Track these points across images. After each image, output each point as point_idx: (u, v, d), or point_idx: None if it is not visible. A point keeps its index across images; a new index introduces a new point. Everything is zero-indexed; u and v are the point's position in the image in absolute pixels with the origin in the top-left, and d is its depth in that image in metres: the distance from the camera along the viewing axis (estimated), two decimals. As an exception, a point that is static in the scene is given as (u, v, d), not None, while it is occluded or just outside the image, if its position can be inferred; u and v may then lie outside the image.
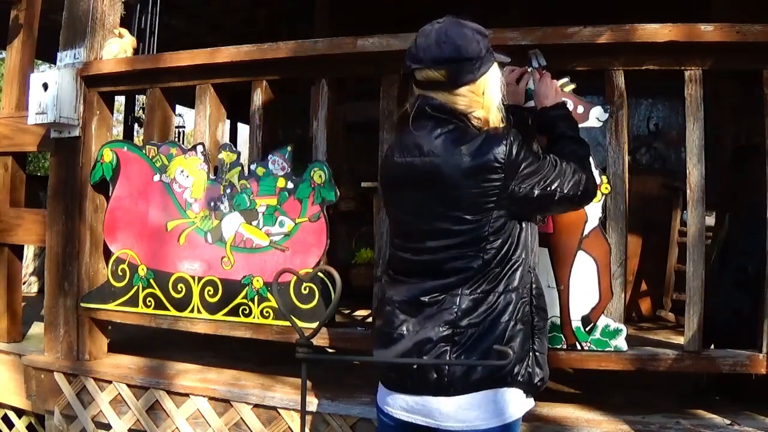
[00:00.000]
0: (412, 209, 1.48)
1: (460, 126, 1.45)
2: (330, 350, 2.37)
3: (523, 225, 1.46)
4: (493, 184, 1.38)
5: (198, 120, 2.46)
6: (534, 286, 1.48)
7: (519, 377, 1.42)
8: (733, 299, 2.25)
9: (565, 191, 1.46)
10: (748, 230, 2.20)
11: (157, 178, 2.45)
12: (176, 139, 2.72)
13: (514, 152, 1.38)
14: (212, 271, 2.34)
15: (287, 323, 2.17)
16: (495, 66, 1.49)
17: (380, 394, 1.53)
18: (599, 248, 1.96)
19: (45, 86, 2.54)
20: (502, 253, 1.42)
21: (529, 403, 1.48)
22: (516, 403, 1.43)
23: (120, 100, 7.79)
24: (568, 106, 1.89)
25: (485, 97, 1.46)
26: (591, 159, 1.60)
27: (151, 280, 2.43)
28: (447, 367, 1.38)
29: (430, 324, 1.42)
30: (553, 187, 1.44)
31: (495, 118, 1.48)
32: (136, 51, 2.75)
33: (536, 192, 1.42)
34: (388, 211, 1.62)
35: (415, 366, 1.42)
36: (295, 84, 2.52)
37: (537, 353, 1.45)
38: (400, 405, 1.46)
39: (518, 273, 1.44)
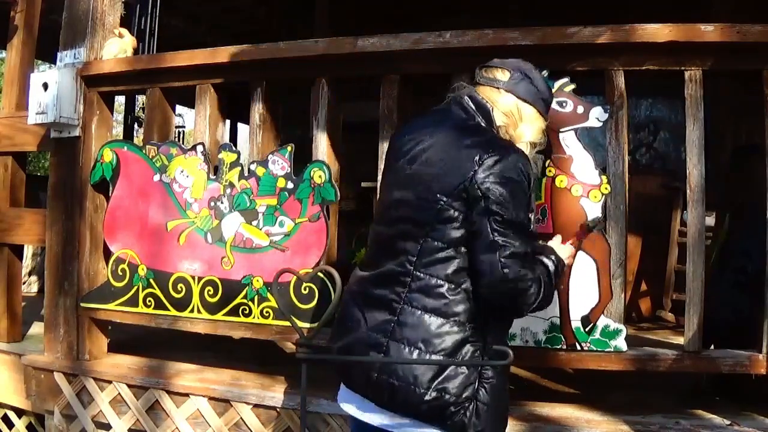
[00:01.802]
0: (399, 182, 1.47)
1: (482, 127, 1.46)
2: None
3: None
4: (462, 173, 1.34)
5: (198, 120, 2.46)
6: (491, 335, 1.38)
7: (448, 421, 1.32)
8: (733, 299, 2.25)
9: (510, 265, 1.31)
10: (748, 230, 2.20)
11: (157, 178, 2.45)
12: (176, 139, 2.72)
13: (498, 163, 1.34)
14: (212, 271, 2.34)
15: (287, 323, 2.17)
16: (542, 121, 1.52)
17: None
18: (599, 249, 1.96)
19: (45, 86, 2.54)
20: (442, 253, 1.35)
21: None
22: None
23: (120, 100, 7.79)
24: (568, 106, 1.90)
25: (520, 125, 1.49)
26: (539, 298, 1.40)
27: (151, 280, 2.42)
28: (375, 375, 1.35)
29: (372, 323, 1.40)
30: (508, 242, 1.32)
31: (523, 148, 1.47)
32: (136, 51, 2.75)
33: (491, 225, 1.32)
34: (382, 188, 1.59)
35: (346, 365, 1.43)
36: (295, 84, 2.52)
37: (479, 403, 1.33)
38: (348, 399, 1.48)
39: (465, 302, 1.35)
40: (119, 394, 2.43)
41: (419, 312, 1.35)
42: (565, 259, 1.54)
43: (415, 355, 1.33)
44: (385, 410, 1.38)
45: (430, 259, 1.36)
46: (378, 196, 1.64)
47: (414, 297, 1.36)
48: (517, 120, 1.48)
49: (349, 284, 1.53)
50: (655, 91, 4.84)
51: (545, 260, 1.45)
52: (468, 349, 1.35)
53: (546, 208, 1.98)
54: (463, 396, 1.32)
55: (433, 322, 1.34)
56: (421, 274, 1.36)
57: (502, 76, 1.50)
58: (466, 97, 1.49)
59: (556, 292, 1.94)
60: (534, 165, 1.81)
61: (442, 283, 1.36)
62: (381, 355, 1.35)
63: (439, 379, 1.32)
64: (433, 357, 1.33)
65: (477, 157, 1.34)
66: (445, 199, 1.36)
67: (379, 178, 1.86)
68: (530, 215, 1.43)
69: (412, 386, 1.32)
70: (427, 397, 1.31)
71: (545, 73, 1.99)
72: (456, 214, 1.35)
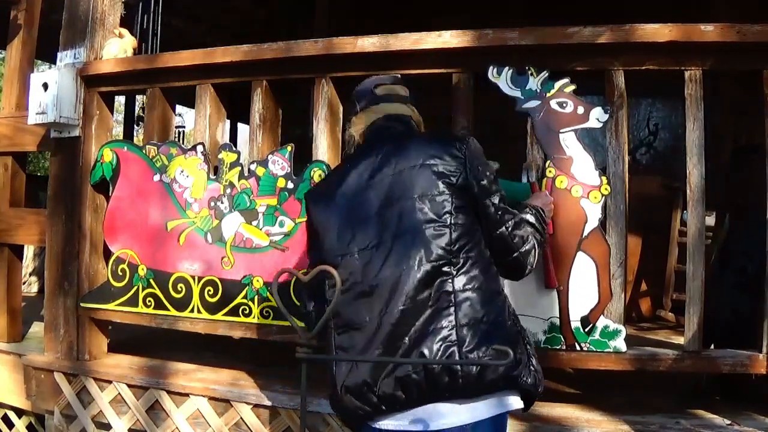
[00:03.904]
0: (375, 203, 1.47)
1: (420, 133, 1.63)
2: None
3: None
4: (454, 164, 1.45)
5: (198, 120, 2.46)
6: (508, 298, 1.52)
7: (521, 383, 1.39)
8: (733, 299, 2.25)
9: (515, 237, 1.50)
10: (748, 230, 2.20)
11: (157, 178, 2.45)
12: (176, 139, 2.72)
13: (473, 145, 1.49)
14: (212, 271, 2.34)
15: (287, 323, 2.17)
16: None
17: None
18: (599, 249, 1.96)
19: (45, 86, 2.54)
20: (470, 239, 1.43)
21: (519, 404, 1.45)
22: (514, 406, 1.43)
23: (120, 100, 7.79)
24: (568, 107, 1.90)
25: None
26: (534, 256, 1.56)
27: (151, 280, 2.43)
28: (460, 368, 1.34)
29: (428, 330, 1.37)
30: (506, 217, 1.50)
31: None
32: (136, 51, 2.75)
33: (493, 201, 1.48)
34: (330, 233, 1.51)
35: (420, 376, 1.36)
36: (296, 84, 2.52)
37: (533, 358, 1.45)
38: (396, 418, 1.41)
39: (499, 277, 1.50)
40: (119, 394, 2.43)
41: (470, 293, 1.40)
42: (542, 206, 1.70)
43: (479, 329, 1.37)
44: (458, 403, 1.37)
45: (459, 245, 1.42)
46: (328, 249, 1.52)
47: (461, 280, 1.40)
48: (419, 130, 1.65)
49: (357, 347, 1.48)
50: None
51: (526, 217, 1.58)
52: (510, 312, 1.47)
53: (546, 208, 1.98)
54: (522, 353, 1.41)
55: (483, 295, 1.41)
56: (459, 260, 1.42)
57: (404, 92, 1.67)
58: (396, 116, 1.61)
59: (555, 293, 1.96)
60: None
61: (474, 258, 1.43)
62: (450, 344, 1.35)
63: (510, 342, 1.38)
64: (497, 328, 1.40)
65: (456, 149, 1.47)
66: (453, 187, 1.44)
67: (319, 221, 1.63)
68: None
69: (488, 365, 1.35)
70: (501, 369, 1.35)
71: (545, 73, 1.99)
72: (465, 201, 1.45)
